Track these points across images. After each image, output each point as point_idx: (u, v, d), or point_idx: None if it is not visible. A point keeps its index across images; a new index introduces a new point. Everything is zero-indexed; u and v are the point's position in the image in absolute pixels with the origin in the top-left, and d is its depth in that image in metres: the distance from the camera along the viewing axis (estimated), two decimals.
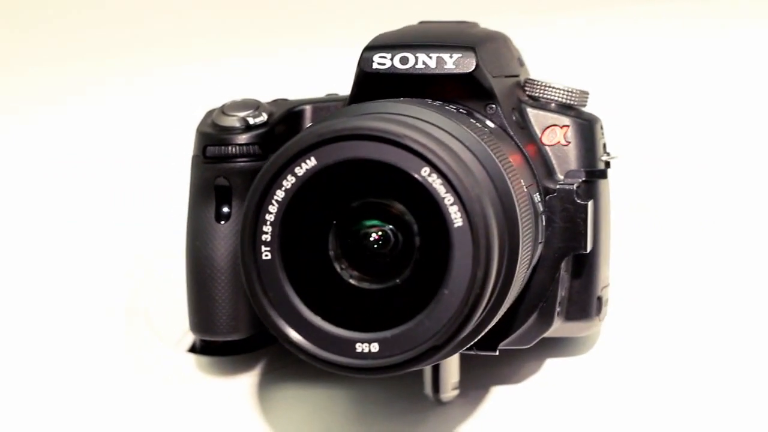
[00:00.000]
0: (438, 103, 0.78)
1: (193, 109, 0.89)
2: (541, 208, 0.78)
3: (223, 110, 0.86)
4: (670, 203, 0.99)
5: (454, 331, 0.67)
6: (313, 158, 0.68)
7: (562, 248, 0.80)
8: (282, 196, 0.68)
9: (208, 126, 0.86)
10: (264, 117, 0.86)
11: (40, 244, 1.05)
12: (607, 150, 0.84)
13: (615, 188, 0.86)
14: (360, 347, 0.68)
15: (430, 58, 0.79)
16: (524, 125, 0.82)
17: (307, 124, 0.86)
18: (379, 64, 0.80)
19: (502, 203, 0.70)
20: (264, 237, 0.69)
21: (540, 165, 0.81)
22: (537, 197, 0.78)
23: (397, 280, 0.69)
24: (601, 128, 0.84)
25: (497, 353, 0.80)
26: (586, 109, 0.84)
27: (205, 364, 0.91)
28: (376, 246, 0.70)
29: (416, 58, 0.79)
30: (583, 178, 0.81)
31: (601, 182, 0.83)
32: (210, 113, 0.87)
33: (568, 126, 0.83)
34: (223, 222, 0.85)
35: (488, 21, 0.87)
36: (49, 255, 1.04)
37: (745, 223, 0.97)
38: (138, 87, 1.19)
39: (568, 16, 1.15)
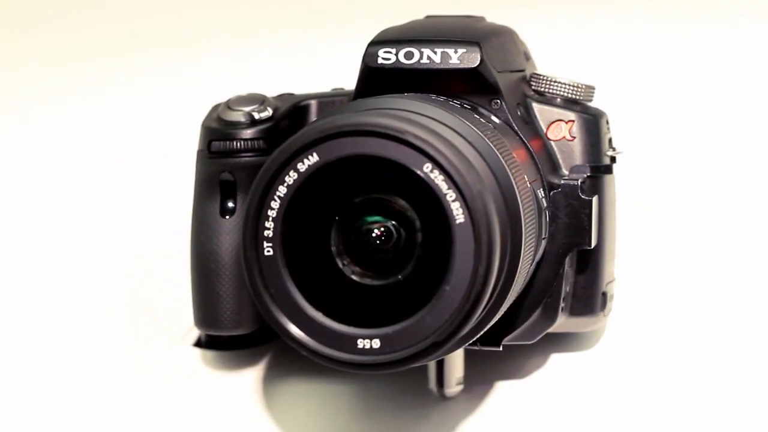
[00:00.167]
0: (442, 98, 0.78)
1: (200, 104, 0.89)
2: (545, 204, 0.78)
3: (229, 105, 0.86)
4: (677, 199, 0.99)
5: (455, 328, 0.67)
6: (315, 154, 0.68)
7: (567, 244, 0.80)
8: (284, 192, 0.68)
9: (214, 121, 0.86)
10: (269, 112, 0.86)
11: (46, 242, 1.05)
12: (613, 145, 0.84)
13: (621, 183, 0.86)
14: (361, 343, 0.68)
15: (435, 53, 0.79)
16: (529, 120, 0.82)
17: (313, 118, 0.86)
18: (383, 59, 0.80)
19: (505, 199, 0.70)
20: (266, 233, 0.69)
21: (545, 160, 0.81)
22: (541, 193, 0.77)
23: (399, 276, 0.69)
24: (607, 123, 0.84)
25: (501, 349, 0.79)
26: (592, 104, 0.84)
27: (211, 359, 0.91)
28: (378, 242, 0.70)
29: (421, 53, 0.79)
30: (588, 174, 0.81)
31: (607, 177, 0.83)
32: (216, 108, 0.87)
33: (573, 121, 0.82)
34: (227, 217, 0.85)
35: (495, 15, 0.87)
36: (56, 253, 1.04)
37: (751, 219, 0.97)
38: (143, 83, 1.19)
39: (576, 9, 1.15)
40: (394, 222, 0.70)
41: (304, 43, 1.18)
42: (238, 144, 0.85)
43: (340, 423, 0.86)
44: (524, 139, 0.80)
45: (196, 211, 0.86)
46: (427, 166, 0.67)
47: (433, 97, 0.77)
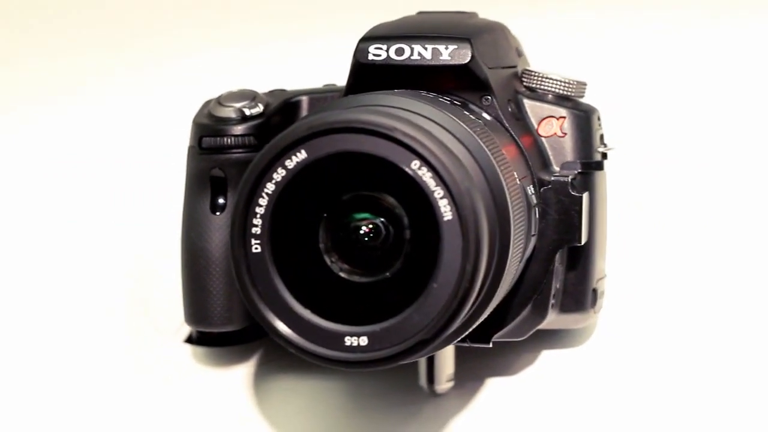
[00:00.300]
0: (432, 95, 0.77)
1: (192, 100, 0.89)
2: (535, 201, 0.77)
3: (220, 101, 0.86)
4: (670, 195, 0.99)
5: (442, 325, 0.67)
6: (303, 151, 0.68)
7: (556, 240, 0.80)
8: (272, 188, 0.68)
9: (205, 117, 0.86)
10: (260, 108, 0.86)
11: (40, 239, 1.05)
12: (605, 141, 0.84)
13: (614, 180, 0.85)
14: (349, 341, 0.68)
15: (426, 49, 0.79)
16: (520, 116, 0.82)
17: (304, 114, 0.86)
18: (374, 55, 0.79)
19: (493, 196, 0.69)
20: (254, 230, 0.68)
21: (535, 156, 0.81)
22: (531, 189, 0.77)
23: (387, 274, 0.69)
24: (599, 119, 0.84)
25: (491, 346, 0.79)
26: (583, 101, 0.84)
27: (202, 355, 0.91)
28: (366, 239, 0.70)
29: (412, 49, 0.79)
30: (579, 170, 0.81)
31: (598, 174, 0.83)
32: (207, 104, 0.87)
33: (564, 117, 0.82)
34: (218, 213, 0.85)
35: (488, 11, 0.86)
36: (48, 250, 1.04)
37: (742, 216, 0.97)
38: (134, 80, 1.19)
39: (570, 5, 1.14)
40: (382, 219, 0.70)
41: (297, 39, 1.18)
42: (229, 140, 0.84)
43: (330, 419, 0.86)
44: (515, 135, 0.80)
45: (186, 207, 0.86)
46: (416, 163, 0.66)
47: (423, 93, 0.77)
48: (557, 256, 0.80)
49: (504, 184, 0.71)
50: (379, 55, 0.79)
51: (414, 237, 0.69)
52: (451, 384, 0.85)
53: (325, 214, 0.70)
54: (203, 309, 0.85)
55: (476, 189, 0.67)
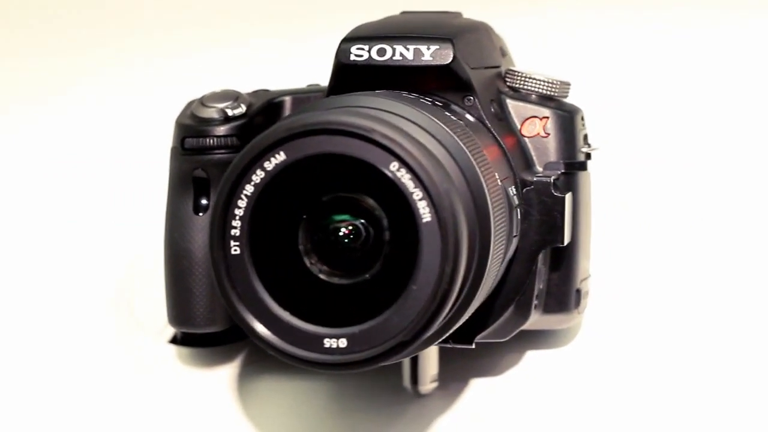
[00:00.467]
0: (413, 96, 0.77)
1: (175, 101, 0.89)
2: (516, 202, 0.77)
3: (203, 101, 0.86)
4: (656, 195, 0.99)
5: (421, 327, 0.66)
6: (282, 153, 0.68)
7: (539, 241, 0.79)
8: (251, 190, 0.68)
9: (187, 117, 0.86)
10: (242, 108, 0.85)
11: (24, 241, 1.05)
12: (589, 141, 0.84)
13: (598, 180, 0.85)
14: (328, 343, 0.67)
15: (408, 49, 0.79)
16: (503, 117, 0.81)
17: (287, 115, 0.86)
18: (356, 55, 0.79)
19: (474, 198, 0.69)
20: (233, 232, 0.68)
21: (518, 157, 0.80)
22: (512, 190, 0.77)
23: (367, 275, 0.69)
24: (582, 119, 0.83)
25: (473, 346, 0.79)
26: (567, 101, 0.84)
27: (186, 356, 0.91)
28: (346, 240, 0.70)
29: (394, 49, 0.79)
30: (562, 171, 0.81)
31: (582, 174, 0.83)
32: (190, 104, 0.87)
33: (547, 117, 0.82)
34: (201, 214, 0.85)
35: (473, 11, 0.86)
36: (33, 251, 1.04)
37: (728, 214, 0.96)
38: (118, 80, 1.19)
39: (555, 5, 1.14)
40: (362, 220, 0.69)
41: (281, 39, 1.18)
42: (211, 141, 0.84)
43: (314, 420, 0.86)
44: (497, 136, 0.79)
45: (169, 208, 0.86)
46: (394, 165, 0.66)
47: (404, 94, 0.77)
48: (540, 257, 0.80)
49: (484, 185, 0.71)
50: (361, 56, 0.79)
51: (393, 239, 0.69)
52: (435, 385, 0.84)
53: (304, 216, 0.70)
54: (186, 310, 0.85)
55: (455, 190, 0.67)
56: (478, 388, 0.86)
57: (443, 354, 0.84)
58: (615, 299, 0.90)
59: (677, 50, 1.08)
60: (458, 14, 0.86)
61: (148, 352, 0.92)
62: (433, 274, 0.66)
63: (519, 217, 0.78)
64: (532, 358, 0.87)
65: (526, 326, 0.81)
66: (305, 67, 0.97)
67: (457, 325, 0.72)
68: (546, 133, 0.82)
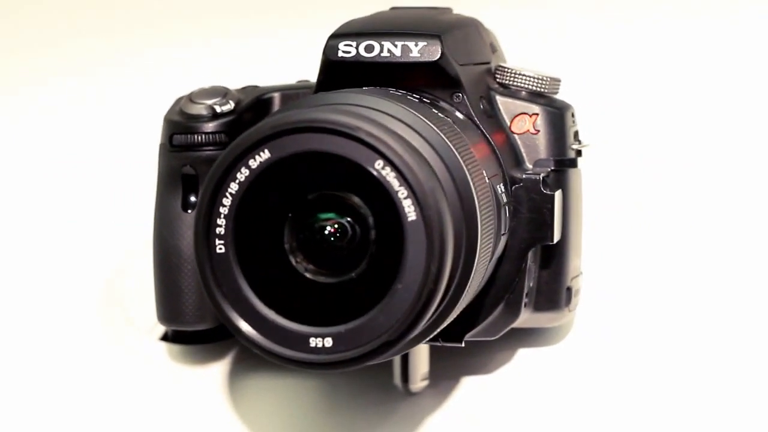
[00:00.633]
0: (401, 93, 0.77)
1: (164, 97, 0.89)
2: (505, 199, 0.77)
3: (191, 98, 0.86)
4: (647, 192, 0.98)
5: (407, 327, 0.66)
6: (267, 150, 0.67)
7: (528, 239, 0.79)
8: (236, 188, 0.68)
9: (176, 114, 0.85)
10: (231, 105, 0.85)
11: (13, 239, 1.05)
12: (579, 138, 0.83)
13: (590, 177, 0.85)
14: (314, 342, 0.67)
15: (396, 46, 0.78)
16: (492, 113, 0.81)
17: (274, 111, 0.85)
18: (344, 52, 0.79)
19: (460, 196, 0.69)
20: (218, 230, 0.68)
21: (508, 154, 0.80)
22: (501, 188, 0.76)
23: (353, 274, 0.68)
24: (573, 116, 0.83)
25: (463, 345, 0.79)
26: (557, 97, 0.83)
27: (177, 353, 0.91)
28: (332, 239, 0.69)
29: (381, 46, 0.78)
30: (552, 168, 0.80)
31: (572, 171, 0.82)
32: (178, 101, 0.87)
33: (537, 114, 0.81)
34: (189, 211, 0.84)
35: (464, 6, 0.86)
36: (23, 249, 1.03)
37: (719, 211, 0.96)
38: (104, 78, 1.18)
39: (547, 1, 1.14)
40: (348, 219, 0.69)
41: (270, 34, 1.17)
42: (200, 137, 0.84)
43: (305, 418, 0.86)
44: (486, 133, 0.79)
45: (158, 205, 0.86)
46: (379, 163, 0.66)
47: (392, 91, 0.77)
48: (530, 255, 0.79)
49: (471, 183, 0.70)
50: (349, 52, 0.79)
51: (379, 237, 0.68)
52: (425, 383, 0.84)
53: (290, 214, 0.69)
54: (176, 307, 0.85)
55: (441, 189, 0.66)
56: (469, 386, 0.85)
57: (434, 352, 0.83)
58: (607, 297, 0.90)
59: (669, 46, 1.08)
60: (448, 10, 0.85)
61: (139, 349, 0.92)
62: (419, 273, 0.65)
63: (508, 214, 0.77)
64: (523, 356, 0.87)
65: (517, 324, 0.81)
66: (295, 62, 0.97)
67: (446, 324, 0.72)
68: (536, 129, 0.81)
